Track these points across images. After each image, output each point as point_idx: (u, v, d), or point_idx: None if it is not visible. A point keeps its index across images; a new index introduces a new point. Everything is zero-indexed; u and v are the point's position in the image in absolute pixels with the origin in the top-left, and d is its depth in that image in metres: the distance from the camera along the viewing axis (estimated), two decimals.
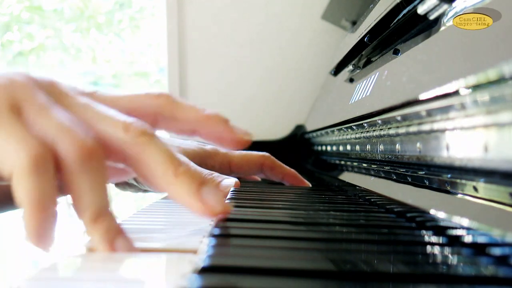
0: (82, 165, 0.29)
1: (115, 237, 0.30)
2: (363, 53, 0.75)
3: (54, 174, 0.29)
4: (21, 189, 0.28)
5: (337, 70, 0.95)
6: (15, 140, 0.28)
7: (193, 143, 0.71)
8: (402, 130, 0.44)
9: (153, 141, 0.32)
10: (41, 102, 0.30)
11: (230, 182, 0.60)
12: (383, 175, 0.53)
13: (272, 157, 0.72)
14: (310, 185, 0.71)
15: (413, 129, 0.41)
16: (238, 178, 0.62)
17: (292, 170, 0.72)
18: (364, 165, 0.62)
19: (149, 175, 0.33)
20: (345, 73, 0.85)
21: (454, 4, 0.43)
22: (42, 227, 0.28)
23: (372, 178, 0.57)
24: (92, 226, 0.30)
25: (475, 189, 0.32)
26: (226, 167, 0.71)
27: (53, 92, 0.32)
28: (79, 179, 0.29)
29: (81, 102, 0.33)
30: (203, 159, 0.69)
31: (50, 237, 0.29)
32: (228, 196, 0.52)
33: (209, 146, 0.72)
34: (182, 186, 0.32)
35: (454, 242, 0.31)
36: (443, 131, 0.36)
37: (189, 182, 0.32)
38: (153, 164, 0.32)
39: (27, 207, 0.28)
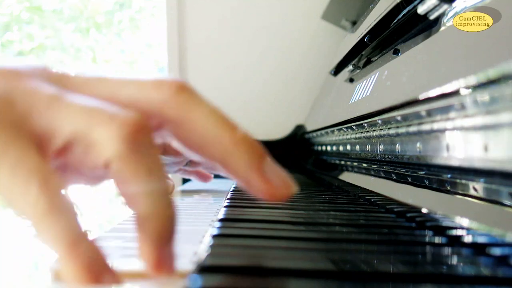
0: (131, 144, 0.23)
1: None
2: (363, 53, 0.75)
3: (72, 202, 0.23)
4: (44, 233, 0.22)
5: (337, 70, 0.95)
6: (21, 172, 0.22)
7: None
8: (402, 130, 0.44)
9: (198, 98, 0.26)
10: (50, 93, 0.24)
11: None
12: (383, 175, 0.53)
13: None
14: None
15: (413, 129, 0.41)
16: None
17: None
18: (364, 165, 0.62)
19: (198, 141, 0.26)
20: (345, 73, 0.85)
21: (454, 4, 0.43)
22: (86, 260, 0.23)
23: (372, 178, 0.57)
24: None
25: (475, 189, 0.32)
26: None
27: (61, 79, 0.26)
28: (132, 163, 0.23)
29: (92, 77, 0.26)
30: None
31: (103, 269, 0.23)
32: (228, 196, 0.52)
33: None
34: (241, 157, 0.25)
35: (454, 242, 0.31)
36: (443, 131, 0.36)
37: (250, 152, 0.25)
38: (204, 127, 0.25)
39: (59, 249, 0.22)
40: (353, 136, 0.63)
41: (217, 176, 1.02)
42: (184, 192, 0.78)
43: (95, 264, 0.23)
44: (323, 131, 0.84)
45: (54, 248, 0.22)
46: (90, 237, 0.23)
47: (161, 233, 0.23)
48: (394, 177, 0.49)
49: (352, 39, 0.81)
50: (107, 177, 0.25)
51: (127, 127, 0.23)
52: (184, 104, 0.25)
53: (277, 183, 0.26)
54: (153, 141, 0.24)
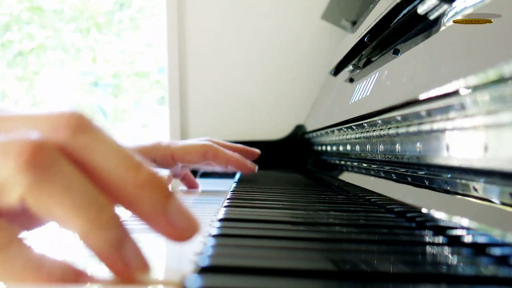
0: (39, 174, 0.21)
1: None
2: (363, 53, 0.75)
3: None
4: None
5: (337, 70, 0.95)
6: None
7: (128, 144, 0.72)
8: (402, 130, 0.44)
9: (98, 137, 0.24)
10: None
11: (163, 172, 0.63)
12: (383, 175, 0.53)
13: (215, 145, 0.74)
14: (255, 169, 0.75)
15: (413, 129, 0.41)
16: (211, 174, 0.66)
17: (236, 155, 0.75)
18: (364, 165, 0.62)
19: (103, 183, 0.24)
20: (345, 73, 0.85)
21: (454, 4, 0.43)
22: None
23: (372, 178, 0.57)
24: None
25: (475, 189, 0.32)
26: (168, 158, 0.72)
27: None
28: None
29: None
30: (145, 153, 0.71)
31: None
32: (228, 196, 0.52)
33: (150, 141, 0.73)
34: (145, 201, 0.24)
35: (454, 242, 0.31)
36: (443, 131, 0.36)
37: (155, 195, 0.24)
38: (107, 169, 0.24)
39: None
40: (353, 136, 0.63)
41: (217, 176, 1.02)
42: (184, 192, 0.78)
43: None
44: (323, 131, 0.84)
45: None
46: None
47: (108, 242, 0.22)
48: (394, 177, 0.49)
49: (352, 39, 0.81)
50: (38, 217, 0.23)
51: (24, 154, 0.21)
52: (84, 148, 0.23)
53: (182, 225, 0.24)
54: (59, 155, 0.22)
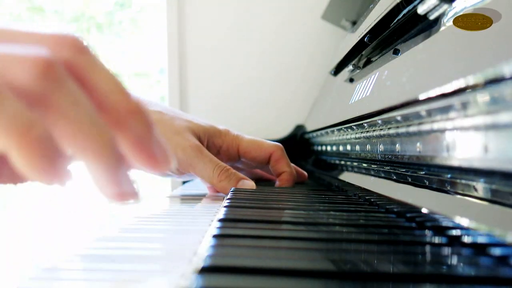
0: (51, 78, 0.22)
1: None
2: (363, 53, 0.75)
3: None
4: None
5: (337, 70, 0.95)
6: None
7: (202, 120, 0.69)
8: (402, 130, 0.44)
9: (97, 60, 0.25)
10: None
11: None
12: (383, 175, 0.53)
13: (283, 150, 0.71)
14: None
15: (413, 129, 0.41)
16: None
17: (293, 173, 0.70)
18: (364, 165, 0.62)
19: (95, 101, 0.24)
20: (345, 73, 0.85)
21: (454, 4, 0.43)
22: (44, 156, 0.22)
23: (372, 178, 0.57)
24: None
25: (475, 189, 0.32)
26: (234, 149, 0.69)
27: None
28: (56, 96, 0.23)
29: None
30: (212, 137, 0.67)
31: (60, 168, 0.23)
32: (228, 196, 0.52)
33: (221, 126, 0.70)
34: (135, 127, 0.25)
35: (454, 242, 0.31)
36: (443, 131, 0.36)
37: (142, 123, 0.25)
38: (103, 92, 0.25)
39: (18, 141, 0.22)
40: (353, 136, 0.63)
41: None
42: (184, 192, 0.78)
43: (48, 153, 0.22)
44: (323, 131, 0.84)
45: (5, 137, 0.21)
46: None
47: (108, 161, 0.23)
48: (394, 177, 0.49)
49: (352, 39, 0.81)
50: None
51: (39, 66, 0.22)
52: (85, 68, 0.24)
53: (159, 156, 0.26)
54: (66, 72, 0.23)
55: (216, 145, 0.68)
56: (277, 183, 0.70)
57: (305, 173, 0.76)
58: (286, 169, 0.69)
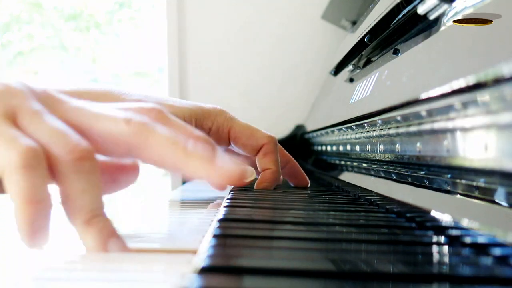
0: (75, 166, 0.29)
1: (109, 238, 0.30)
2: (363, 53, 0.75)
3: (46, 170, 0.29)
4: (12, 185, 0.28)
5: (337, 70, 0.95)
6: (7, 139, 0.29)
7: (189, 102, 0.62)
8: (402, 130, 0.44)
9: (156, 128, 0.33)
10: (35, 109, 0.31)
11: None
12: (383, 175, 0.53)
13: (277, 144, 0.64)
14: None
15: (413, 129, 0.41)
16: None
17: (277, 172, 0.61)
18: (364, 165, 0.62)
19: (159, 160, 0.33)
20: (345, 73, 0.85)
21: (454, 4, 0.43)
22: (34, 222, 0.28)
23: (372, 178, 0.57)
24: (85, 228, 0.30)
25: (475, 189, 0.32)
26: (224, 132, 0.62)
27: (47, 100, 0.33)
28: (72, 181, 0.29)
29: (74, 106, 0.33)
30: (199, 119, 0.60)
31: (44, 233, 0.29)
32: (228, 196, 0.52)
33: (209, 105, 0.62)
34: (195, 161, 0.33)
35: (454, 242, 0.31)
36: (443, 131, 0.36)
37: (201, 155, 0.33)
38: (160, 148, 0.33)
39: (18, 202, 0.28)
40: (353, 136, 0.63)
41: None
42: (184, 192, 0.78)
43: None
44: (323, 131, 0.84)
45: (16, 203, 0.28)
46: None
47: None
48: (394, 177, 0.49)
49: (352, 39, 0.81)
50: None
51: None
52: (144, 133, 0.33)
53: (229, 167, 0.33)
54: (95, 167, 0.30)
55: (204, 127, 0.60)
56: (257, 181, 0.61)
57: (307, 179, 0.67)
58: (271, 166, 0.61)
